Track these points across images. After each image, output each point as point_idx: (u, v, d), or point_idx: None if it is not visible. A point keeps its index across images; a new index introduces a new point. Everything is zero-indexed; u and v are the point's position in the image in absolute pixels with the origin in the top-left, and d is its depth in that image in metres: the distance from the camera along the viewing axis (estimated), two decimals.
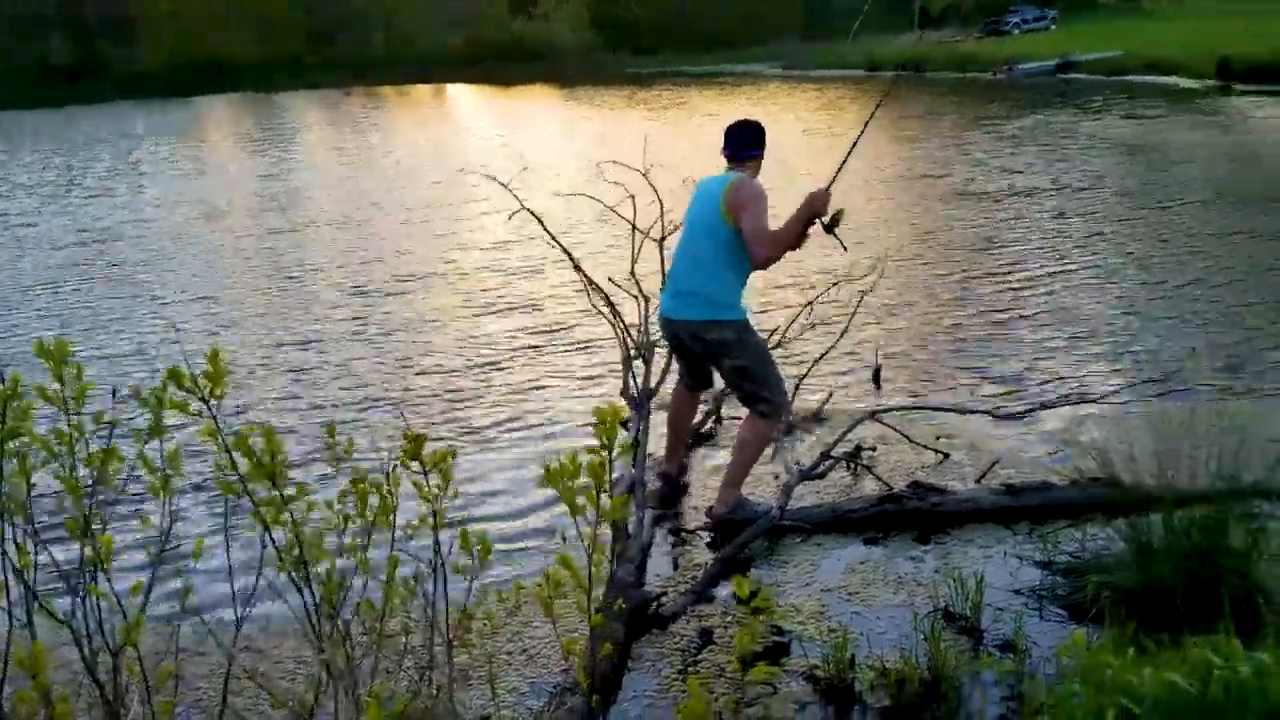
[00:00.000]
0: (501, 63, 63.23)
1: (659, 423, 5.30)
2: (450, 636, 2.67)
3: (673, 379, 5.19)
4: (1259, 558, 3.57)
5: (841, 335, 6.35)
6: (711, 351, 4.52)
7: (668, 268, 4.78)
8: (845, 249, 4.66)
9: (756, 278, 4.84)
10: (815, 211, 4.39)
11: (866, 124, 4.79)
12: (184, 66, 61.43)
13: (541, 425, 6.00)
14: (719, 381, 4.84)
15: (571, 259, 6.21)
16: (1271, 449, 4.08)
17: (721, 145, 4.61)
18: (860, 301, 6.51)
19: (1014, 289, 8.56)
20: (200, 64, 61.95)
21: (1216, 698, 2.43)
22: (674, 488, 5.00)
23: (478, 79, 57.78)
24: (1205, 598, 3.34)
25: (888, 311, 8.01)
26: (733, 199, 4.36)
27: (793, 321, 6.45)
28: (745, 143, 4.57)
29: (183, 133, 30.20)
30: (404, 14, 72.14)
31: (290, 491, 2.27)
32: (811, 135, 21.64)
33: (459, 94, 49.76)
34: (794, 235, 4.42)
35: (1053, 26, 54.56)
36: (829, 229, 4.39)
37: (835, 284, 6.64)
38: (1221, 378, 6.25)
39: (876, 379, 6.47)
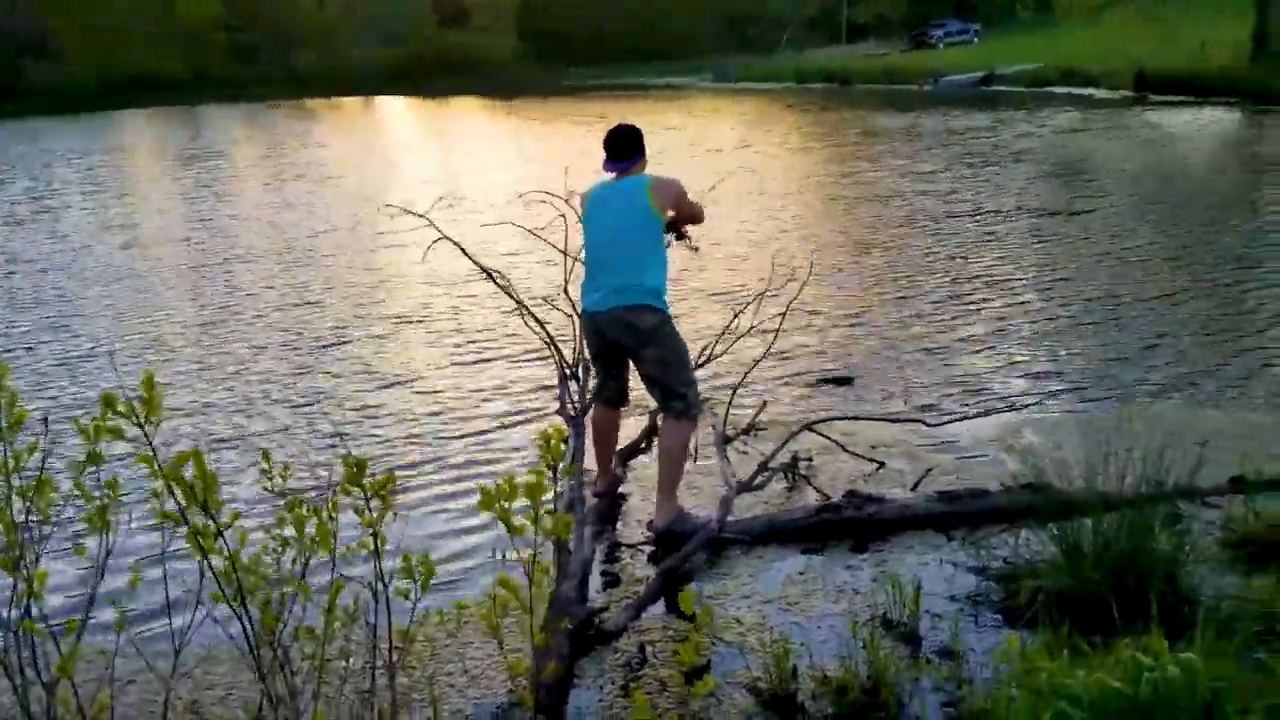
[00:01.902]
0: (432, 76, 62.86)
1: None
2: (391, 660, 2.65)
3: None
4: (1184, 560, 3.67)
5: (770, 346, 6.42)
6: (638, 342, 4.55)
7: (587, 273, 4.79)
8: (696, 249, 5.40)
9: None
10: (697, 215, 4.96)
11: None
12: (106, 82, 60.00)
13: (480, 445, 5.96)
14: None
15: (497, 283, 6.14)
16: (1195, 452, 4.20)
17: (605, 157, 4.70)
18: (786, 312, 6.57)
19: (943, 300, 8.72)
20: (123, 79, 60.59)
21: (1147, 698, 2.49)
22: (610, 503, 5.03)
23: (409, 92, 57.44)
24: (1135, 599, 3.43)
25: (821, 324, 8.11)
26: (663, 195, 4.60)
27: (720, 335, 6.50)
28: (630, 151, 4.70)
29: (107, 150, 29.17)
30: (332, 27, 71.34)
31: (225, 519, 2.24)
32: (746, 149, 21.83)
33: (390, 108, 49.34)
34: (699, 216, 4.98)
35: (976, 39, 55.69)
36: (680, 236, 5.10)
37: (760, 295, 6.71)
38: (1148, 383, 6.43)
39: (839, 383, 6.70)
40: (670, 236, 4.97)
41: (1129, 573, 3.54)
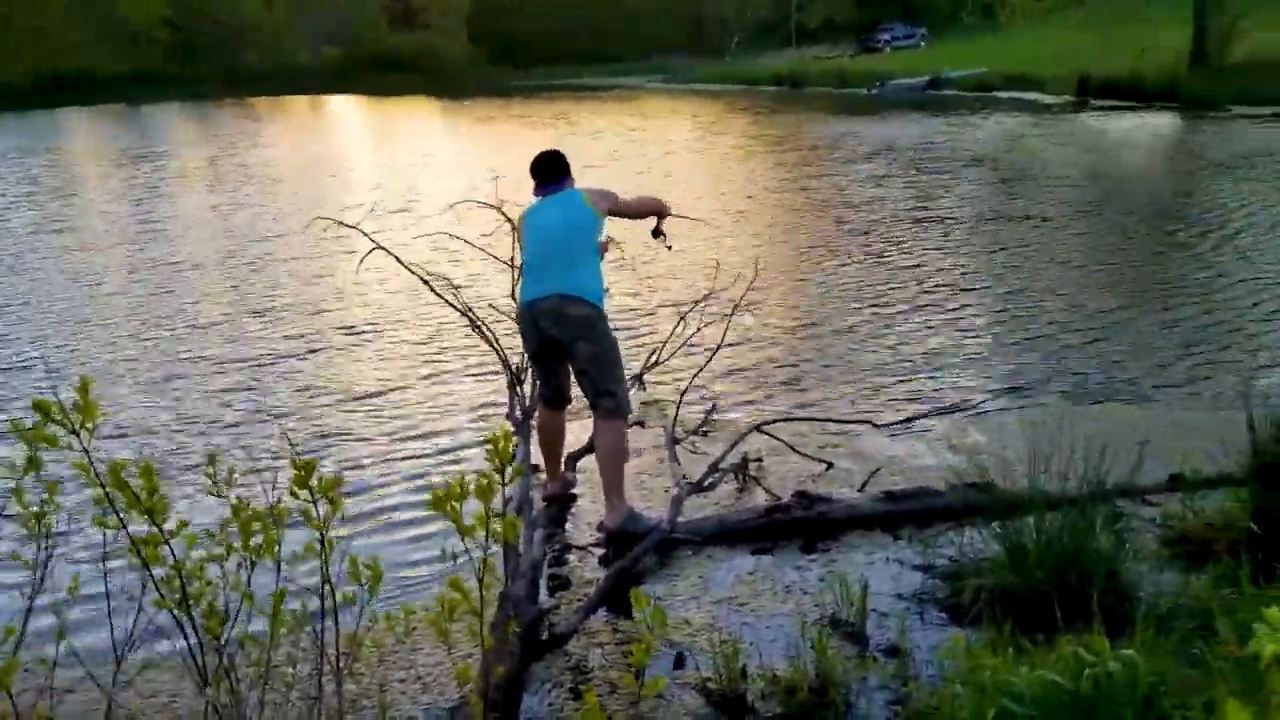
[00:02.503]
0: (382, 75, 62.29)
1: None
2: (339, 666, 2.63)
3: None
4: (1125, 558, 3.74)
5: (719, 348, 6.49)
6: (571, 334, 4.57)
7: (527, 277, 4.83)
8: (670, 248, 5.47)
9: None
10: (661, 210, 5.16)
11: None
12: (45, 78, 58.65)
13: (428, 450, 5.92)
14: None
15: (435, 290, 6.12)
16: (1136, 451, 4.29)
17: (536, 180, 4.88)
18: (733, 312, 6.64)
19: (890, 303, 8.80)
20: (63, 75, 59.27)
21: (1088, 693, 2.54)
22: (561, 505, 5.04)
23: (358, 91, 56.86)
24: (1077, 597, 3.49)
25: (771, 326, 8.16)
26: (598, 198, 4.79)
27: (669, 337, 6.54)
28: (557, 173, 4.88)
29: (47, 150, 28.35)
30: (280, 26, 70.41)
31: (170, 526, 2.21)
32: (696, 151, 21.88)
33: (339, 107, 48.71)
34: (644, 209, 5.16)
35: (922, 44, 56.34)
36: (656, 232, 5.27)
37: (705, 296, 6.76)
38: (1091, 384, 6.54)
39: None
40: (604, 237, 5.07)
41: (1071, 570, 3.60)
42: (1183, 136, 21.44)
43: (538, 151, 4.94)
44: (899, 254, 10.71)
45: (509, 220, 6.16)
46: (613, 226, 5.14)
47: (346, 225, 6.03)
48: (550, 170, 4.85)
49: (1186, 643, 2.93)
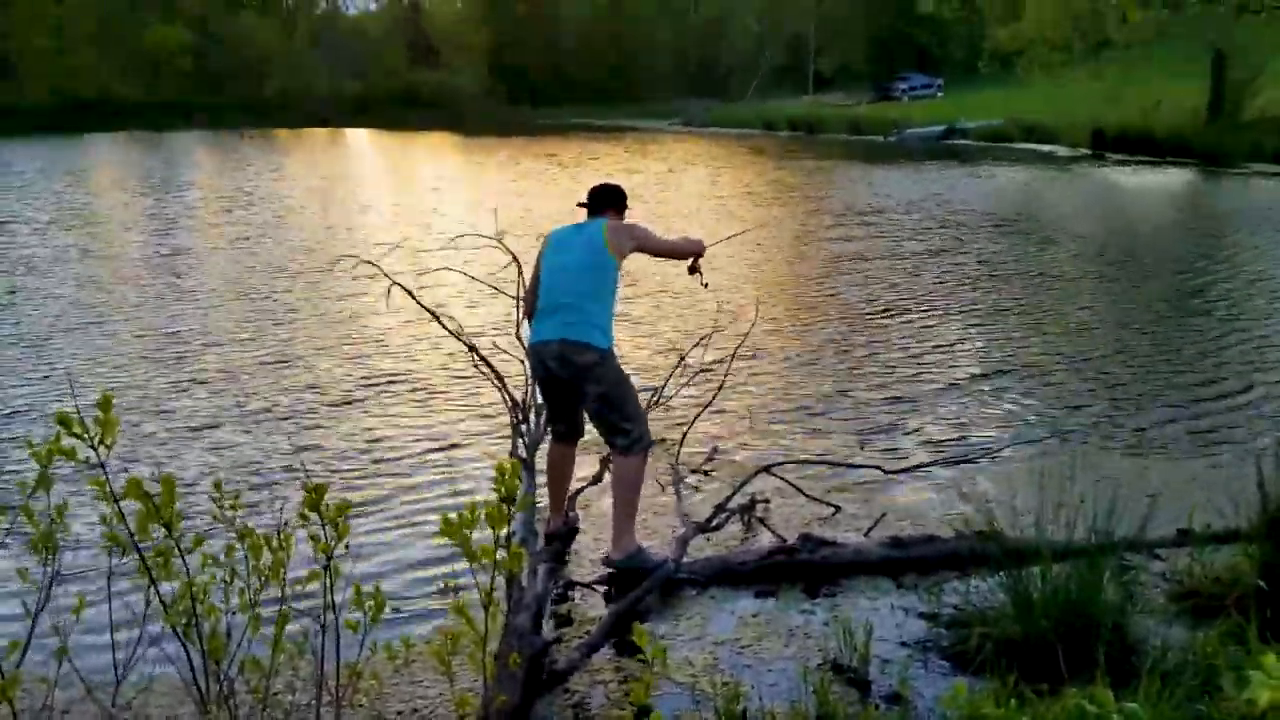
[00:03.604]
0: (402, 110, 62.87)
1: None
2: (338, 696, 2.62)
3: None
4: (1132, 611, 3.72)
5: (720, 387, 6.53)
6: (577, 377, 4.58)
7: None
8: (706, 285, 5.41)
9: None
10: (697, 250, 5.16)
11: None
12: (69, 104, 59.21)
13: (434, 482, 5.91)
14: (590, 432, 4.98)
15: (444, 325, 6.19)
16: (1144, 503, 4.27)
17: (586, 201, 5.05)
18: (736, 350, 6.68)
19: (902, 350, 8.80)
20: (87, 101, 59.87)
21: None
22: (565, 540, 5.02)
23: (378, 125, 57.35)
24: (1083, 648, 3.46)
25: (779, 368, 8.17)
26: (617, 236, 4.78)
27: (669, 378, 6.56)
28: (602, 203, 5.01)
29: (72, 176, 27.97)
30: (301, 58, 71.07)
31: (186, 542, 2.22)
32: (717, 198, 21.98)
33: (361, 141, 48.96)
34: (678, 250, 5.19)
35: (940, 94, 56.69)
36: (693, 269, 5.29)
37: (709, 335, 6.81)
38: (1101, 435, 6.52)
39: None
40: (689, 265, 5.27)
41: (1077, 622, 3.58)
42: (1204, 194, 21.49)
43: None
44: (912, 304, 10.71)
45: (513, 256, 6.22)
46: (655, 269, 5.17)
47: (365, 261, 6.11)
48: (596, 199, 5.00)
49: (1192, 698, 2.90)
